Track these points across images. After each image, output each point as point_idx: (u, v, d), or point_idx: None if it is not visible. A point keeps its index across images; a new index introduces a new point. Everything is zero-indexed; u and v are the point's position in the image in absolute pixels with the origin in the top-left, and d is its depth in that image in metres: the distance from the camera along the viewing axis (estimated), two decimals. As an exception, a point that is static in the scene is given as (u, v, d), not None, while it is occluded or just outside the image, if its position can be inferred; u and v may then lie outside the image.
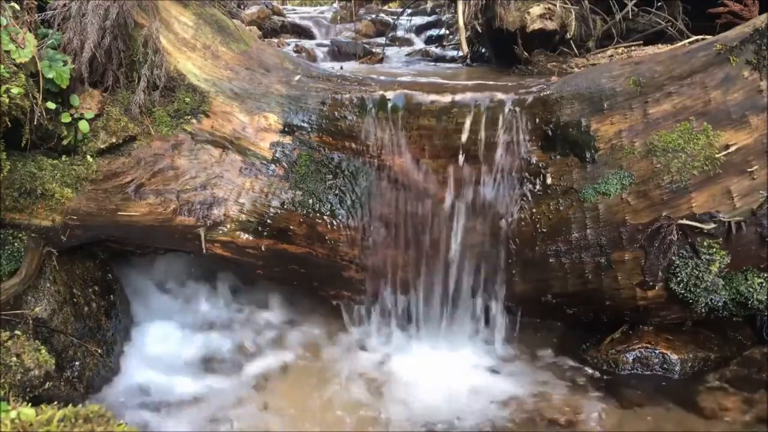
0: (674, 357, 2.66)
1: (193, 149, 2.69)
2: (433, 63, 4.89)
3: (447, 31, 5.96)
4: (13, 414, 1.30)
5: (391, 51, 5.52)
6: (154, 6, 2.67)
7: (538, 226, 2.60)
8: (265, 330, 3.06)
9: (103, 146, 2.59)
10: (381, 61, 5.15)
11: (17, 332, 2.29)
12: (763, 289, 2.45)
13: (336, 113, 2.72)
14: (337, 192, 2.70)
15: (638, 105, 2.52)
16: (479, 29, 4.19)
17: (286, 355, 2.88)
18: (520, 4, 3.81)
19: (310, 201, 2.69)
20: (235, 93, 2.75)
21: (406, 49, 5.67)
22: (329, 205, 2.69)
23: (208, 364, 2.81)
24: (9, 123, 2.27)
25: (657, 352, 2.68)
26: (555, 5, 3.81)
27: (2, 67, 2.21)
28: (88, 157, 2.57)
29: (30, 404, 1.40)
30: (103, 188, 2.58)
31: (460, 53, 4.57)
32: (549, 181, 2.60)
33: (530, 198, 2.62)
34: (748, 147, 2.38)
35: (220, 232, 2.68)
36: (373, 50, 5.58)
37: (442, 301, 2.79)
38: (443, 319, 2.84)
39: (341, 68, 3.81)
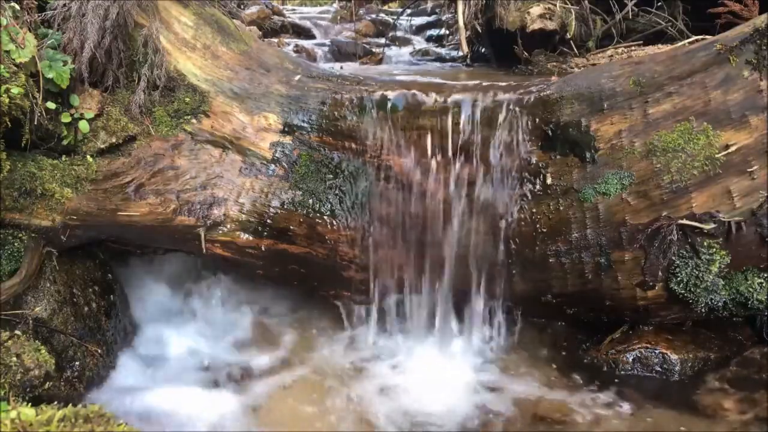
0: (674, 357, 2.66)
1: (193, 149, 2.69)
2: (433, 63, 4.90)
3: (447, 31, 5.96)
4: (13, 414, 1.30)
5: (391, 51, 5.52)
6: (154, 6, 2.67)
7: (538, 226, 2.60)
8: (264, 329, 3.06)
9: (103, 146, 2.59)
10: (381, 61, 5.15)
11: (17, 332, 2.29)
12: (763, 289, 2.45)
13: (336, 113, 2.72)
14: (337, 192, 2.70)
15: (638, 105, 2.52)
16: (479, 29, 4.20)
17: (285, 353, 2.88)
18: (520, 4, 3.82)
19: (310, 201, 2.69)
20: (235, 93, 2.75)
21: (406, 49, 5.67)
22: (329, 205, 2.69)
23: (208, 363, 2.81)
24: (9, 123, 2.26)
25: (657, 352, 2.68)
26: (555, 5, 3.82)
27: (2, 67, 2.21)
28: (88, 157, 2.57)
29: (30, 404, 1.40)
30: (103, 188, 2.58)
31: (460, 53, 4.58)
32: (549, 181, 2.60)
33: (530, 198, 2.62)
34: (748, 147, 2.38)
35: (220, 232, 2.68)
36: (373, 50, 5.59)
37: (442, 300, 2.79)
38: (443, 318, 2.84)
39: (341, 68, 3.81)
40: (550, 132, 2.60)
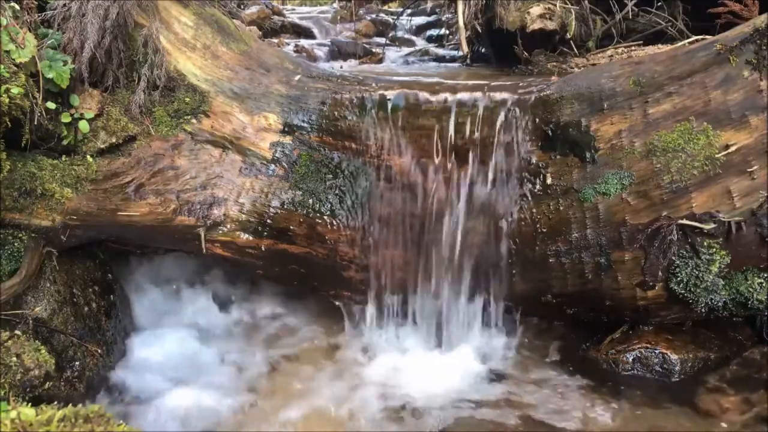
0: (674, 357, 2.66)
1: (193, 149, 2.69)
2: (433, 63, 4.90)
3: (447, 31, 5.96)
4: (13, 414, 1.30)
5: (391, 51, 5.52)
6: (154, 6, 2.67)
7: (538, 226, 2.60)
8: (263, 329, 3.07)
9: (103, 146, 2.59)
10: (381, 61, 5.15)
11: (17, 332, 2.29)
12: (763, 289, 2.45)
13: (336, 113, 2.72)
14: (337, 192, 2.70)
15: (638, 105, 2.52)
16: (479, 29, 4.20)
17: (284, 355, 2.88)
18: (520, 4, 3.82)
19: (310, 201, 2.69)
20: (235, 93, 2.75)
21: (406, 49, 5.67)
22: (329, 205, 2.69)
23: (208, 362, 2.81)
24: (9, 123, 2.26)
25: (657, 352, 2.68)
26: (555, 5, 3.82)
27: (2, 67, 2.21)
28: (88, 157, 2.57)
29: (30, 404, 1.39)
30: (103, 188, 2.58)
31: (460, 53, 4.58)
32: (549, 181, 2.60)
33: (530, 198, 2.62)
34: (748, 147, 2.38)
35: (220, 232, 2.68)
36: (373, 50, 5.59)
37: (441, 300, 2.79)
38: (443, 318, 2.84)
39: (341, 68, 3.81)
40: (550, 132, 2.60)
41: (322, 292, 2.91)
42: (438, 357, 2.83)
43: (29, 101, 2.32)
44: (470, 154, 2.63)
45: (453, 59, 4.94)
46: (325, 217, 2.68)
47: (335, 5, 8.10)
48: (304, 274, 2.81)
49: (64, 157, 2.56)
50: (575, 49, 3.86)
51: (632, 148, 2.50)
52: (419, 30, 6.66)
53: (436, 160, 2.66)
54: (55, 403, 1.41)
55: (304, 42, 6.12)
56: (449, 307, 2.81)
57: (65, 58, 2.47)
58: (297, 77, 2.86)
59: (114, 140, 2.60)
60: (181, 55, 2.72)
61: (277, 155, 2.73)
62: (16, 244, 2.44)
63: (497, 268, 2.67)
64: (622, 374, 2.67)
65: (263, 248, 2.71)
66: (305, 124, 2.75)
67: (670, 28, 3.92)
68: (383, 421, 2.47)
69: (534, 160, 2.62)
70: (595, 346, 2.81)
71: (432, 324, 2.87)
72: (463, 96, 2.63)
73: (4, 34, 2.26)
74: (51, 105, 2.44)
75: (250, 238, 2.70)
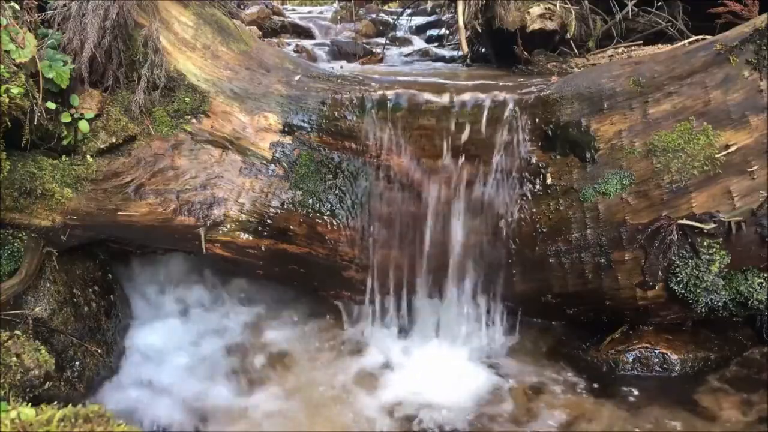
0: (674, 357, 2.66)
1: (193, 149, 2.69)
2: (433, 63, 4.90)
3: (447, 31, 5.96)
4: (13, 414, 1.30)
5: (391, 51, 5.52)
6: (154, 6, 2.66)
7: (538, 226, 2.60)
8: (263, 329, 3.07)
9: (103, 146, 2.59)
10: (381, 61, 5.15)
11: (17, 332, 2.29)
12: (763, 289, 2.45)
13: (336, 113, 2.72)
14: (337, 192, 2.70)
15: (638, 105, 2.53)
16: (479, 29, 4.19)
17: (283, 355, 2.88)
18: (520, 4, 3.81)
19: (310, 201, 2.69)
20: (235, 93, 2.75)
21: (406, 49, 5.67)
22: (329, 205, 2.69)
23: (207, 363, 2.81)
24: (9, 123, 2.26)
25: (657, 352, 2.68)
26: (555, 5, 3.82)
27: (2, 67, 2.21)
28: (88, 157, 2.57)
29: (30, 404, 1.39)
30: (103, 188, 2.58)
31: (460, 53, 4.57)
32: (549, 181, 2.60)
33: (530, 198, 2.62)
34: (748, 147, 2.38)
35: (220, 232, 2.68)
36: (373, 50, 5.58)
37: (442, 300, 2.79)
38: (443, 318, 2.84)
39: (341, 68, 3.81)
40: (550, 132, 2.60)
41: (322, 292, 2.91)
42: (438, 357, 2.83)
43: (29, 101, 2.32)
44: (470, 154, 2.63)
45: (453, 59, 4.94)
46: (325, 217, 2.68)
47: (335, 5, 8.09)
48: (304, 274, 2.81)
49: (64, 157, 2.56)
50: (575, 49, 3.86)
51: (632, 148, 2.50)
52: (419, 30, 6.66)
53: (436, 160, 2.66)
54: (55, 403, 1.41)
55: (304, 42, 6.12)
56: (449, 307, 2.81)
57: (65, 58, 2.47)
58: (297, 77, 2.86)
59: (114, 140, 2.60)
60: (181, 55, 2.72)
61: (277, 155, 2.73)
62: (16, 244, 2.44)
63: (497, 268, 2.68)
64: (622, 374, 2.67)
65: (263, 248, 2.71)
66: (305, 124, 2.75)
67: (670, 28, 3.92)
68: (381, 420, 2.46)
69: (534, 160, 2.62)
70: (595, 346, 2.81)
71: (432, 324, 2.87)
72: (462, 96, 2.63)
73: (4, 34, 2.26)
74: (51, 105, 2.44)
75: (250, 238, 2.70)
